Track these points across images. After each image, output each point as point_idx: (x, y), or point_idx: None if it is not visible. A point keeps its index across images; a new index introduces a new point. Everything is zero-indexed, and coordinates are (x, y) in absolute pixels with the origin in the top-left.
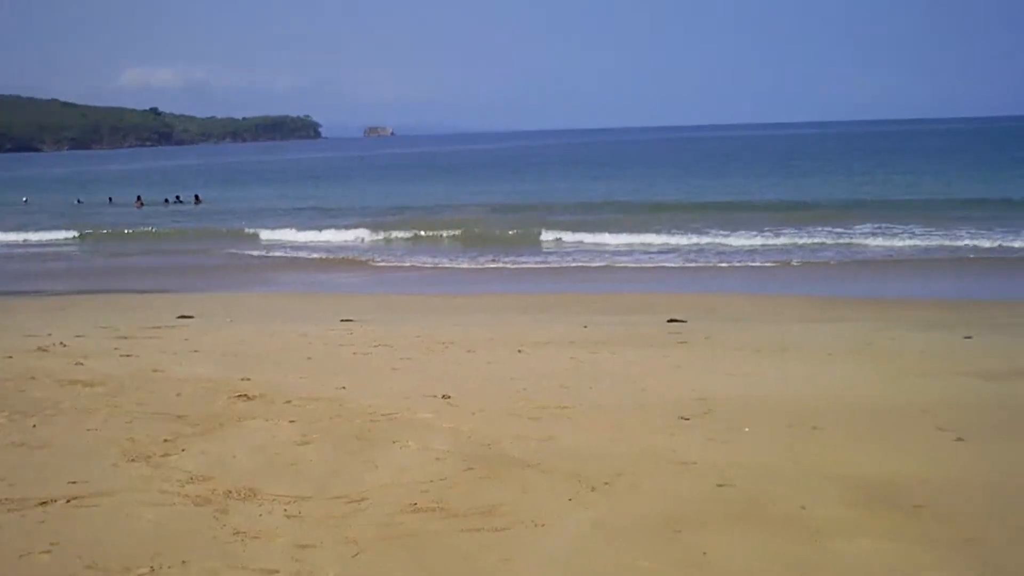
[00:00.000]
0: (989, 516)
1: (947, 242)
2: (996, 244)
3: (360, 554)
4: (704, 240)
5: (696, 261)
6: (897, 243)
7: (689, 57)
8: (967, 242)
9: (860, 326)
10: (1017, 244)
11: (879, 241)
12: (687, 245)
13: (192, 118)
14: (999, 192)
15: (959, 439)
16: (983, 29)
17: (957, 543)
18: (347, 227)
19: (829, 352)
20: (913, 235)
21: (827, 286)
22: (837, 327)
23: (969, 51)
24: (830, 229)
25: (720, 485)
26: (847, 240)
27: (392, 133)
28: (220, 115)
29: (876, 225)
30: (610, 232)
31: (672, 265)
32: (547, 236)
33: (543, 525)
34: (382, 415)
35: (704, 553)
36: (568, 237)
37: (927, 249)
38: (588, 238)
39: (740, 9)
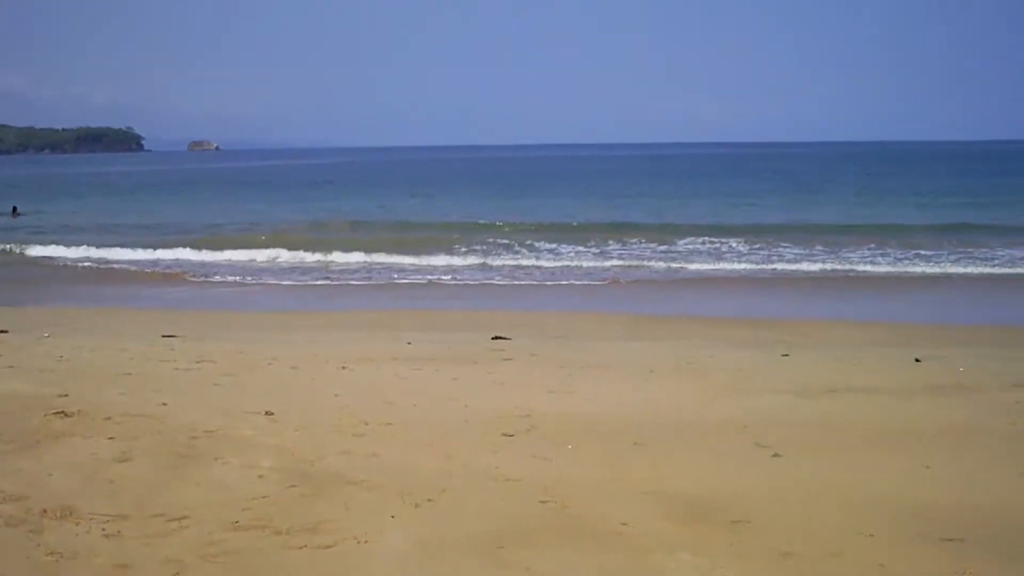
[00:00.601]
0: (805, 530)
1: (767, 265)
2: (817, 267)
3: (181, 574)
4: (523, 261)
5: (521, 279)
6: (723, 265)
7: (530, 77)
8: (788, 265)
9: (681, 344)
10: (839, 266)
11: (702, 260)
12: (510, 266)
13: (8, 128)
14: (827, 216)
15: (776, 455)
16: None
17: (774, 556)
18: (167, 242)
19: (651, 370)
20: (738, 255)
21: (650, 305)
22: (659, 345)
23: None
24: (653, 248)
25: (543, 501)
26: (671, 259)
27: (217, 148)
28: (39, 125)
29: (700, 242)
30: (427, 253)
31: (499, 283)
32: (360, 257)
33: (367, 542)
34: (204, 432)
35: (527, 569)
36: (382, 258)
37: (748, 269)
38: (408, 260)
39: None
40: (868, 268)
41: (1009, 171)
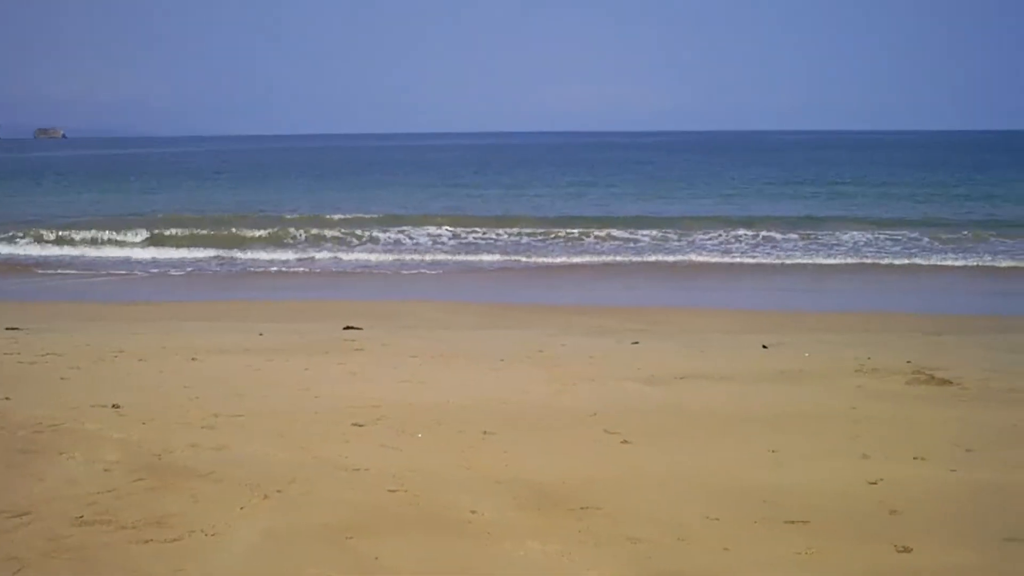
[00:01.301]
0: (652, 515)
1: (619, 257)
2: (672, 257)
3: (23, 570)
4: (375, 252)
5: (375, 269)
6: (576, 258)
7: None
8: (638, 257)
9: (534, 333)
10: (695, 257)
11: (557, 252)
12: (363, 256)
13: None
14: (674, 209)
15: (625, 441)
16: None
17: (621, 542)
18: (11, 232)
19: (502, 358)
20: (590, 245)
21: (504, 293)
22: (512, 334)
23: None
24: (498, 237)
25: (392, 491)
26: (521, 250)
27: (64, 135)
28: None
29: (563, 233)
30: (280, 245)
31: (353, 272)
32: (211, 249)
33: (214, 535)
34: (48, 426)
35: (375, 558)
36: (235, 251)
37: (600, 260)
38: (262, 251)
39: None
40: (716, 259)
41: (898, 162)
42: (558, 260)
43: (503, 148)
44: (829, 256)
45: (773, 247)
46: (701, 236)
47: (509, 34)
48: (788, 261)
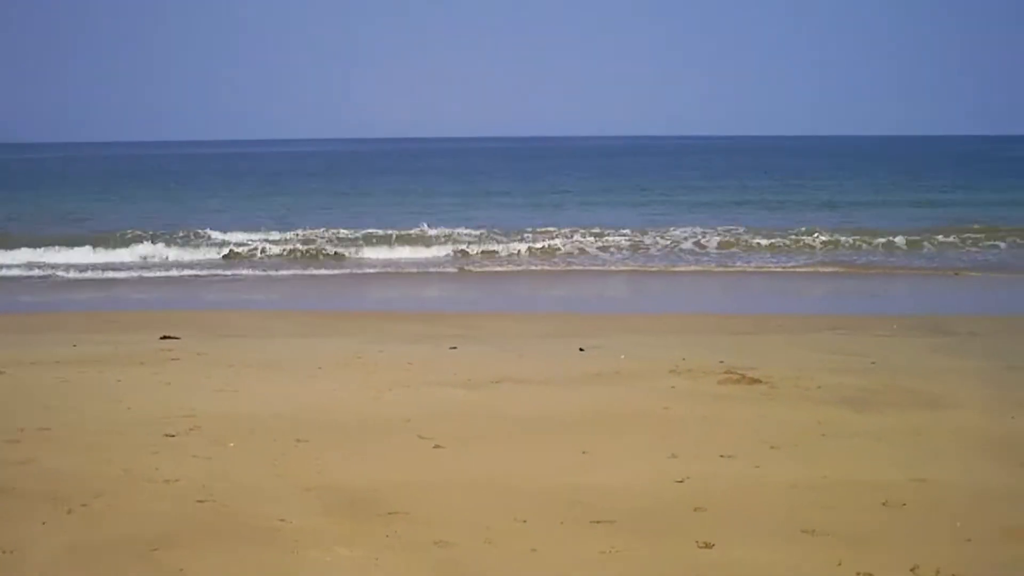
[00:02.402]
0: (461, 519)
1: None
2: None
3: None
4: (197, 256)
5: (198, 275)
6: (393, 255)
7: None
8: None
9: (353, 340)
10: (514, 268)
11: (376, 254)
12: (184, 260)
13: None
14: (513, 214)
15: (437, 446)
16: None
17: (428, 546)
18: None
19: (319, 366)
20: (415, 251)
21: (325, 301)
22: (330, 341)
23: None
24: (329, 240)
25: (201, 501)
26: (347, 253)
27: None
28: None
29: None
30: (98, 250)
31: (172, 277)
32: (26, 255)
33: (13, 551)
34: None
35: (180, 570)
36: (50, 256)
37: (426, 260)
38: (78, 257)
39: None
40: (538, 266)
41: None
42: (374, 267)
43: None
44: (647, 262)
45: (601, 250)
46: (516, 243)
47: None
48: (612, 268)
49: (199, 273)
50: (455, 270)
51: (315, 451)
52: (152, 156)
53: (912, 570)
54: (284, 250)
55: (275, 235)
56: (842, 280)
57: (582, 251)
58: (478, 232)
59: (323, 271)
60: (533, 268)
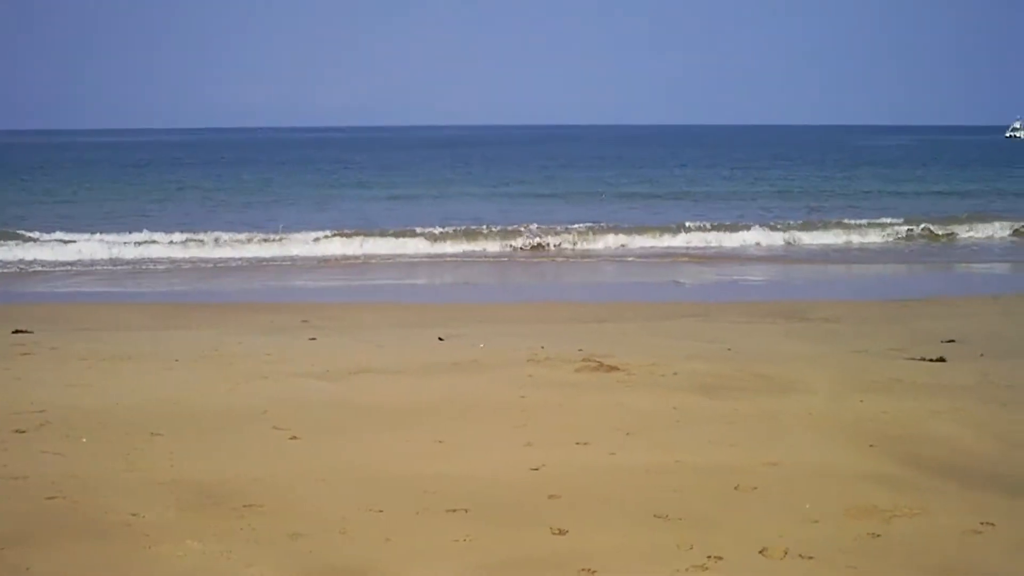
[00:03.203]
0: (316, 510)
1: (296, 251)
2: (349, 250)
3: None
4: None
5: (50, 269)
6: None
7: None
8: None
9: (211, 332)
10: (369, 250)
11: (238, 247)
12: (32, 256)
13: None
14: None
15: (294, 437)
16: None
17: (282, 538)
18: None
19: (176, 359)
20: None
21: (186, 292)
22: (189, 333)
23: None
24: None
25: (50, 498)
26: (203, 246)
27: None
28: None
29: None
30: None
31: (17, 272)
32: None
33: None
34: None
35: (27, 569)
36: None
37: (278, 255)
38: None
39: None
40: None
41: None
42: (236, 255)
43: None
44: (513, 252)
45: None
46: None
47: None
48: (467, 256)
49: (52, 270)
50: (316, 262)
51: (169, 445)
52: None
53: (761, 551)
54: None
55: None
56: (700, 267)
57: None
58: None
59: (184, 263)
60: (393, 258)
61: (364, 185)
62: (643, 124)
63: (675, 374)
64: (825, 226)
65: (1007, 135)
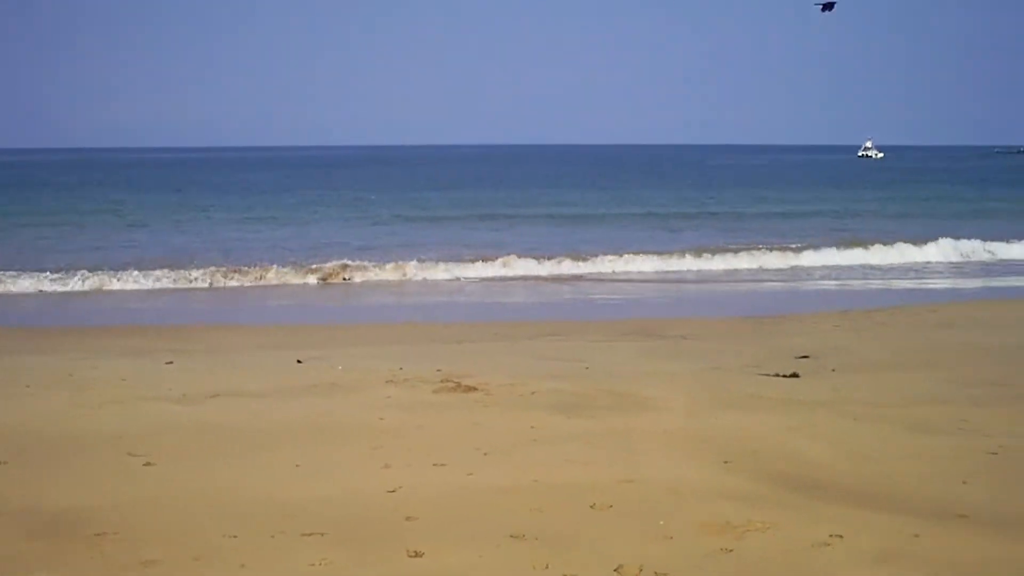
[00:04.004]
0: (170, 537)
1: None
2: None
3: None
4: None
5: None
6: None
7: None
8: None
9: (63, 357)
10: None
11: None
12: None
13: None
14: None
15: (148, 463)
16: None
17: (135, 566)
18: None
19: (27, 384)
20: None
21: (35, 316)
22: (39, 359)
23: None
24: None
25: None
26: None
27: None
28: None
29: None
30: None
31: None
32: None
33: None
34: None
35: None
36: None
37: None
38: None
39: None
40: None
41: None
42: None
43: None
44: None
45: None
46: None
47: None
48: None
49: None
50: (171, 285)
51: (18, 473)
52: None
53: (616, 570)
54: None
55: None
56: (556, 287)
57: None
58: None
59: (40, 288)
60: (254, 281)
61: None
62: (505, 143)
63: (533, 393)
64: (697, 252)
65: (859, 154)
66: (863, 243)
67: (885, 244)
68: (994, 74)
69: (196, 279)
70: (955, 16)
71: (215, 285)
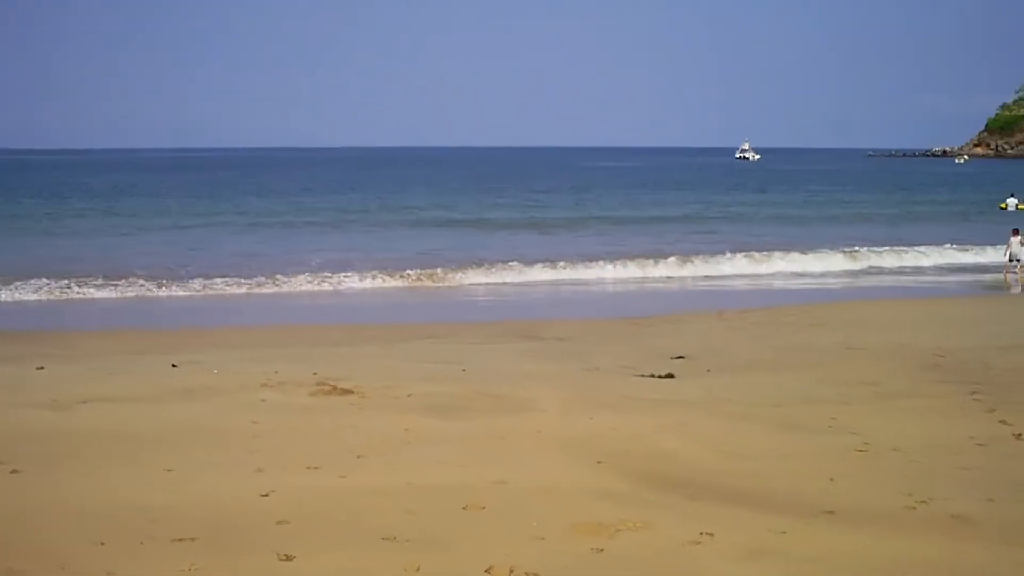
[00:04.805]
0: (35, 545)
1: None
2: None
3: None
4: None
5: None
6: None
7: None
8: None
9: None
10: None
11: None
12: None
13: None
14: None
15: (14, 471)
16: None
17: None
18: None
19: None
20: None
21: None
22: None
23: None
24: None
25: None
26: None
27: None
28: None
29: None
30: None
31: None
32: None
33: None
34: None
35: None
36: None
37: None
38: None
39: None
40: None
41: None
42: None
43: None
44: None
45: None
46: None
47: None
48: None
49: None
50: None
51: None
52: None
53: (487, 570)
54: None
55: None
56: (436, 290)
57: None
58: None
59: None
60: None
61: None
62: (378, 146)
63: (408, 396)
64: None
65: (737, 156)
66: (746, 250)
67: (760, 252)
68: (869, 80)
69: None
70: (832, 20)
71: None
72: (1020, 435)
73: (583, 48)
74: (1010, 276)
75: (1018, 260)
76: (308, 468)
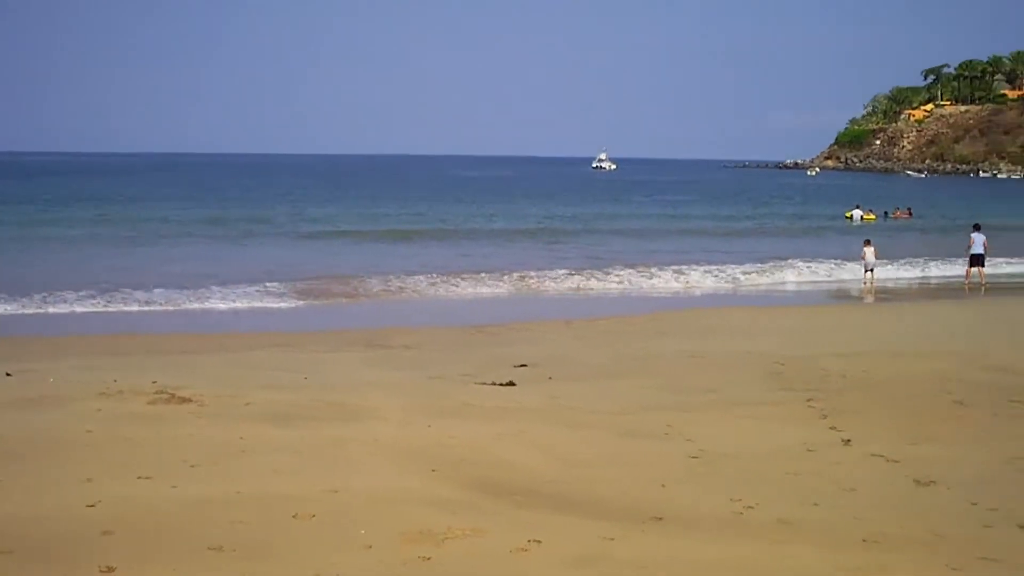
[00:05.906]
0: None
1: None
2: None
3: None
4: None
5: None
6: None
7: None
8: None
9: None
10: None
11: None
12: None
13: None
14: None
15: None
16: None
17: None
18: None
19: None
20: None
21: None
22: None
23: None
24: None
25: None
26: None
27: None
28: None
29: None
30: None
31: None
32: None
33: None
34: None
35: None
36: None
37: None
38: None
39: None
40: None
41: None
42: None
43: None
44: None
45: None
46: None
47: None
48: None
49: None
50: None
51: None
52: None
53: None
54: None
55: None
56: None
57: None
58: None
59: None
60: None
61: None
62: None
63: (247, 404)
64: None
65: (593, 166)
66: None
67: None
68: (725, 94)
69: None
70: (693, 33)
71: None
72: (848, 441)
73: (449, 56)
74: (866, 282)
75: (871, 269)
76: (139, 478)
